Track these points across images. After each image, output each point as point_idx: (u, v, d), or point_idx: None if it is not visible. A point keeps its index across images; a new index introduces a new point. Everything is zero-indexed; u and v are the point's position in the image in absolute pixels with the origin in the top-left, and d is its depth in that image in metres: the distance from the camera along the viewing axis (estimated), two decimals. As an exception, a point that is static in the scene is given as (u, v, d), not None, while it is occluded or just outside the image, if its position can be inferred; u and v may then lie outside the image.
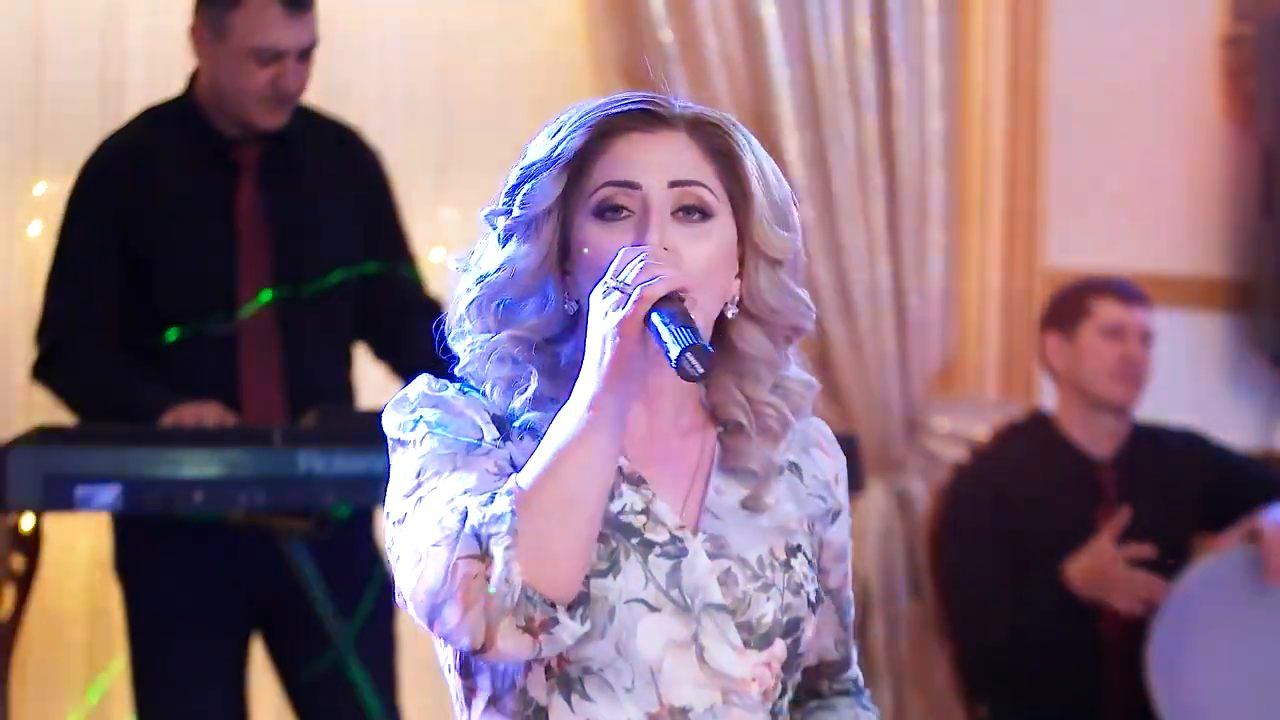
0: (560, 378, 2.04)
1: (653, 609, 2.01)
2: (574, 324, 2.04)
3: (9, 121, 4.46)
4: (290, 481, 3.61)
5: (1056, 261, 5.18)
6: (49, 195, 4.37)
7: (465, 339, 2.10)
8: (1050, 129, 5.21)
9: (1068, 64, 5.22)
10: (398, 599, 2.00)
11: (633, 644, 1.99)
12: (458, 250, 2.15)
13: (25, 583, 3.95)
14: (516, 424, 2.06)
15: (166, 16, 4.30)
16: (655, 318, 1.92)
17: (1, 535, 3.92)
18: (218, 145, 3.92)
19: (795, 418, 2.12)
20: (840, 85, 4.94)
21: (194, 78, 3.96)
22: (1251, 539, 4.23)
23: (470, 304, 2.08)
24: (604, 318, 1.94)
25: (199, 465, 3.55)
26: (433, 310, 4.01)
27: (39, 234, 4.38)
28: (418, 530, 1.97)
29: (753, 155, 2.08)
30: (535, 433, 2.03)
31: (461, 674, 2.07)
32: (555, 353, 2.07)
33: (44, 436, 3.58)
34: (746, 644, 2.04)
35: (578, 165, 2.05)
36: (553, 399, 2.03)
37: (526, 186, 2.06)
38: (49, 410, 4.05)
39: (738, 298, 2.07)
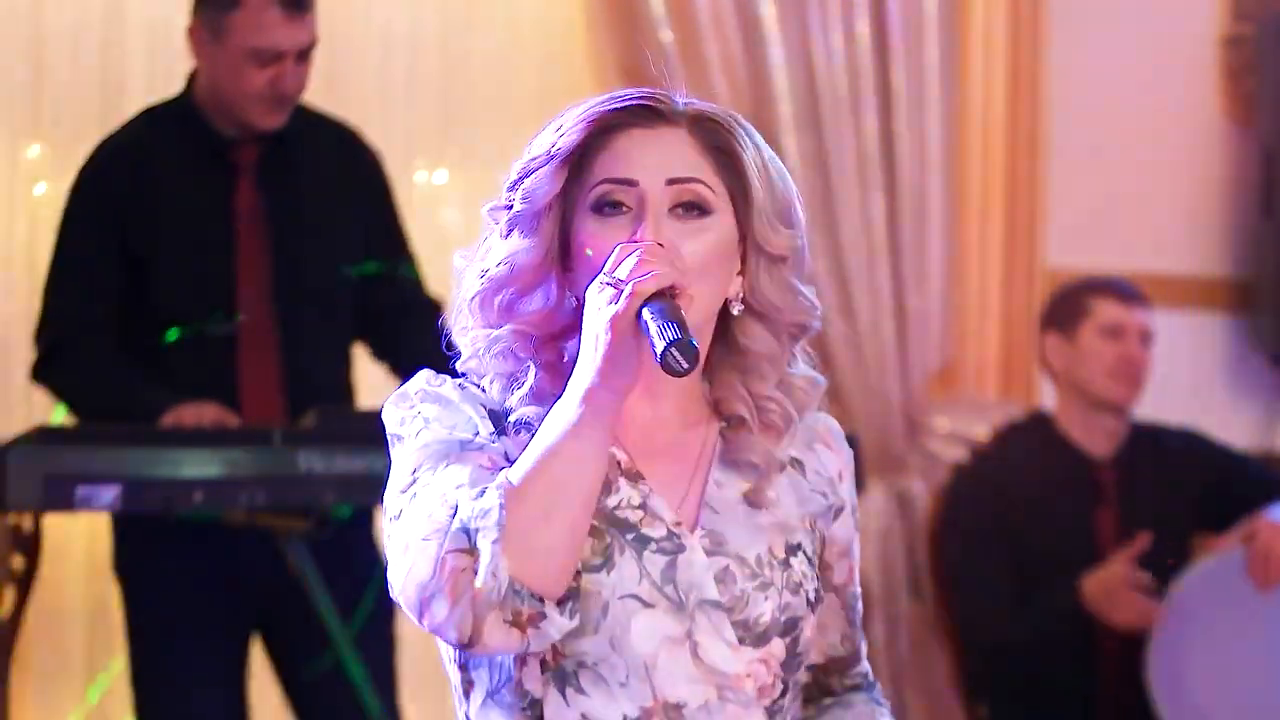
0: (562, 373, 2.04)
1: (646, 605, 2.01)
2: (577, 319, 2.04)
3: (9, 122, 4.46)
4: (290, 481, 3.61)
5: (1056, 262, 5.18)
6: (49, 195, 4.38)
7: (467, 334, 2.10)
8: (1050, 129, 5.21)
9: (1068, 64, 5.22)
10: (390, 592, 2.01)
11: (626, 639, 2.00)
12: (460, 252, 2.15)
13: (25, 583, 3.95)
14: (512, 419, 2.06)
15: (165, 15, 4.31)
16: (646, 313, 1.93)
17: (1, 535, 3.92)
18: (216, 146, 3.92)
19: (799, 414, 2.12)
20: (840, 86, 4.94)
21: (192, 78, 3.96)
22: (1248, 540, 4.23)
23: (472, 298, 2.08)
24: (598, 313, 1.95)
25: (199, 465, 3.55)
26: (432, 310, 4.06)
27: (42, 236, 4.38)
28: (410, 524, 1.97)
29: (754, 152, 2.08)
30: (531, 428, 2.03)
31: (460, 667, 2.08)
32: (559, 348, 2.07)
33: (44, 436, 3.58)
34: (742, 641, 2.04)
35: (578, 161, 2.06)
36: (553, 394, 2.03)
37: (527, 181, 2.07)
38: (49, 411, 4.05)
39: (741, 294, 2.08)
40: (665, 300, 1.94)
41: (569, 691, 2.01)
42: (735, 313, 2.08)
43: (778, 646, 2.07)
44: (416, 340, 3.99)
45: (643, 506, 2.05)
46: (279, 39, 3.83)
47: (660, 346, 1.91)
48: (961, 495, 4.52)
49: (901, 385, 5.02)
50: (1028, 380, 5.13)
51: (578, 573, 1.98)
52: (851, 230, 4.96)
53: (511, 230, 2.08)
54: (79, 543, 4.38)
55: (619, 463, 2.05)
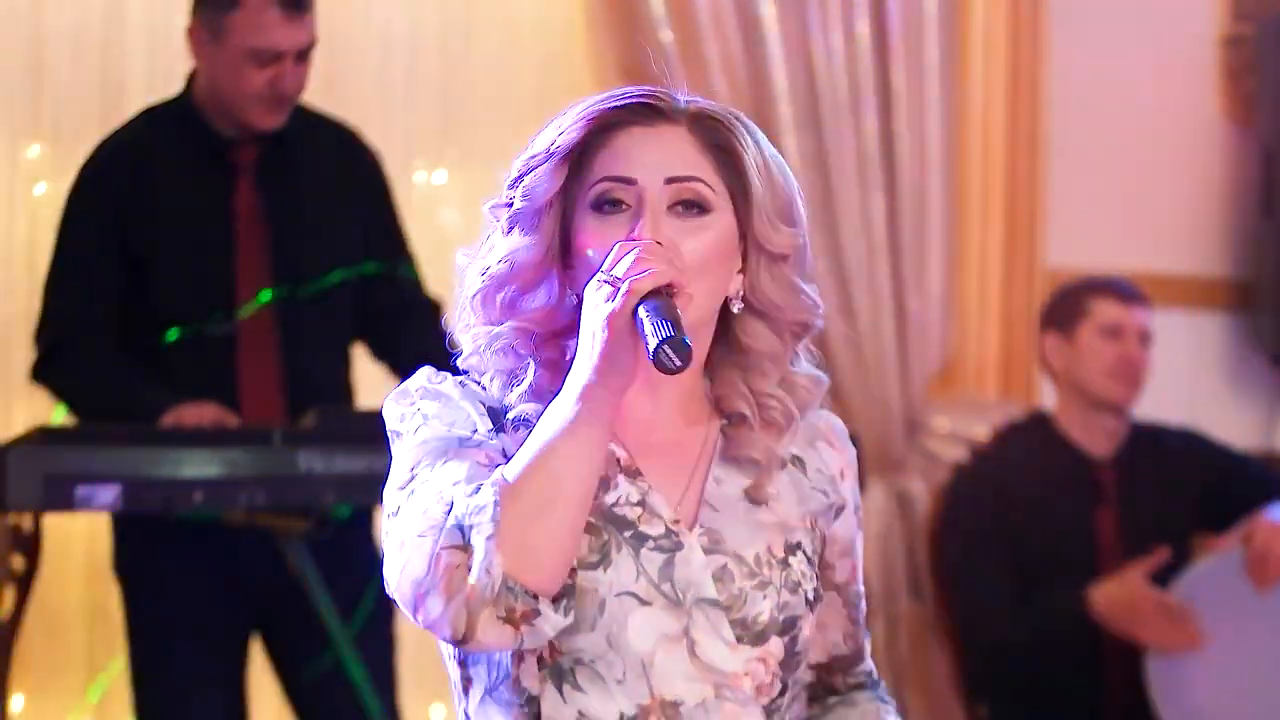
0: (562, 371, 2.04)
1: (643, 602, 2.01)
2: (578, 317, 2.03)
3: (9, 122, 4.46)
4: (290, 481, 3.61)
5: (1056, 261, 5.18)
6: (49, 195, 4.38)
7: (469, 331, 2.10)
8: (1050, 129, 5.21)
9: (1068, 64, 5.22)
10: (386, 589, 2.01)
11: (623, 637, 2.00)
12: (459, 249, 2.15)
13: (25, 583, 3.95)
14: (511, 416, 2.07)
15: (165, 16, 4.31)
16: (641, 310, 1.93)
17: (1, 535, 3.92)
18: (216, 146, 3.92)
19: (801, 413, 2.12)
20: (840, 86, 4.95)
21: (192, 78, 3.96)
22: (1247, 540, 4.23)
23: (474, 296, 2.09)
24: (595, 310, 1.96)
25: (199, 465, 3.55)
26: (431, 310, 4.06)
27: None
28: (406, 521, 1.98)
29: (755, 150, 2.08)
30: (529, 425, 2.03)
31: (459, 664, 2.08)
32: (561, 346, 2.07)
33: (44, 436, 3.58)
34: (740, 639, 2.04)
35: (579, 159, 2.06)
36: (552, 391, 2.03)
37: (527, 179, 2.07)
38: (49, 411, 4.05)
39: (741, 293, 2.08)
40: (662, 298, 1.94)
41: (566, 688, 2.01)
42: (735, 311, 2.08)
43: (776, 645, 2.06)
44: (416, 340, 3.99)
45: (641, 504, 2.05)
46: (278, 39, 3.83)
47: (653, 344, 1.91)
48: (961, 495, 4.52)
49: (901, 385, 5.02)
50: (1028, 380, 5.13)
51: (573, 570, 1.98)
52: (851, 230, 4.96)
53: (512, 228, 2.08)
54: (79, 543, 4.38)
55: (618, 460, 2.06)
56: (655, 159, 2.04)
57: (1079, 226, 5.25)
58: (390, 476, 2.04)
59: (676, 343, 1.91)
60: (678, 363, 1.91)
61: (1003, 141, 5.16)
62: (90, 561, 4.36)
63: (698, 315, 2.02)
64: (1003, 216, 5.17)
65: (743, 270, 2.08)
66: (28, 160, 4.47)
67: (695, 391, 2.11)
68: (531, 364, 2.07)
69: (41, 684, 4.38)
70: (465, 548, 1.92)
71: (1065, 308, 4.51)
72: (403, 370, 3.90)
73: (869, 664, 2.29)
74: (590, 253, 2.02)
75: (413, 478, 2.00)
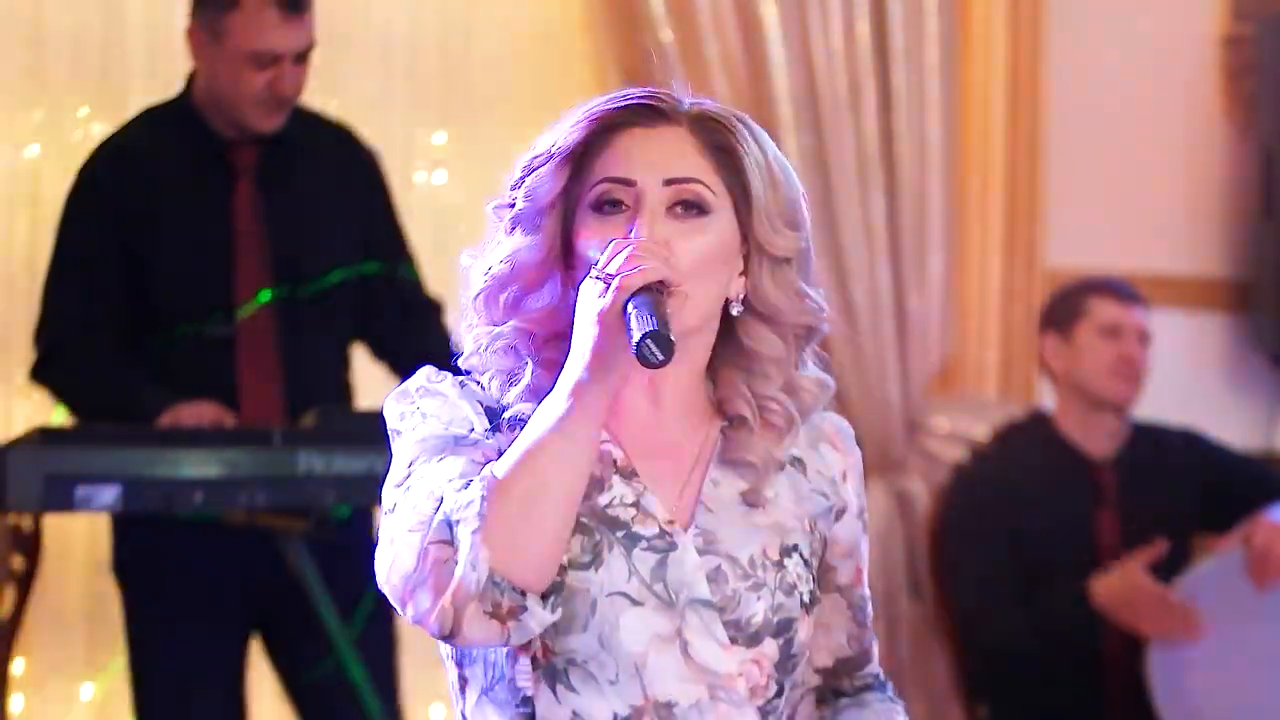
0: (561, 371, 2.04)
1: (635, 603, 2.01)
2: None
3: (9, 121, 4.46)
4: (290, 481, 3.61)
5: (1056, 261, 5.18)
6: (49, 195, 4.37)
7: (472, 331, 2.11)
8: (1050, 129, 5.21)
9: (1067, 64, 5.22)
10: (379, 585, 2.01)
11: (615, 637, 2.00)
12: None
13: (25, 583, 3.95)
14: (507, 415, 2.07)
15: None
16: (629, 306, 1.93)
17: (1, 535, 3.92)
18: (215, 147, 3.92)
19: (804, 416, 2.12)
20: (840, 86, 4.94)
21: (192, 79, 3.96)
22: (1247, 540, 4.23)
23: (476, 296, 2.09)
24: (587, 307, 1.96)
25: (199, 465, 3.55)
26: (431, 310, 4.06)
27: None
28: (399, 517, 1.98)
29: (757, 152, 2.07)
30: (525, 424, 2.02)
31: (456, 664, 2.09)
32: (563, 347, 2.07)
33: (44, 437, 3.58)
34: (734, 641, 2.04)
35: (581, 159, 2.06)
36: (548, 391, 2.02)
37: (529, 179, 2.07)
38: (49, 411, 4.05)
39: (742, 295, 2.08)
40: (652, 294, 1.94)
41: (560, 689, 2.01)
42: (734, 313, 2.07)
43: (770, 647, 2.06)
44: (416, 340, 3.99)
45: (635, 504, 2.05)
46: (277, 41, 3.83)
47: (636, 337, 1.91)
48: (961, 495, 4.52)
49: (901, 385, 5.02)
50: (1028, 380, 5.13)
51: (564, 569, 1.98)
52: (851, 230, 4.96)
53: (514, 228, 2.08)
54: (79, 543, 4.38)
55: (614, 460, 2.06)
56: (655, 160, 2.04)
57: (1078, 226, 5.25)
58: (389, 474, 2.04)
59: (660, 337, 1.90)
60: (660, 357, 1.91)
61: (1003, 141, 5.15)
62: (90, 561, 4.35)
63: (697, 316, 2.03)
64: (1003, 216, 5.17)
65: (744, 272, 2.08)
66: (27, 160, 4.47)
67: (697, 393, 2.11)
68: (530, 364, 2.07)
69: (41, 684, 4.38)
70: (453, 543, 1.93)
71: (1064, 308, 4.51)
72: (403, 370, 3.90)
73: (876, 666, 2.28)
74: (590, 253, 2.02)
75: (409, 475, 2.01)
